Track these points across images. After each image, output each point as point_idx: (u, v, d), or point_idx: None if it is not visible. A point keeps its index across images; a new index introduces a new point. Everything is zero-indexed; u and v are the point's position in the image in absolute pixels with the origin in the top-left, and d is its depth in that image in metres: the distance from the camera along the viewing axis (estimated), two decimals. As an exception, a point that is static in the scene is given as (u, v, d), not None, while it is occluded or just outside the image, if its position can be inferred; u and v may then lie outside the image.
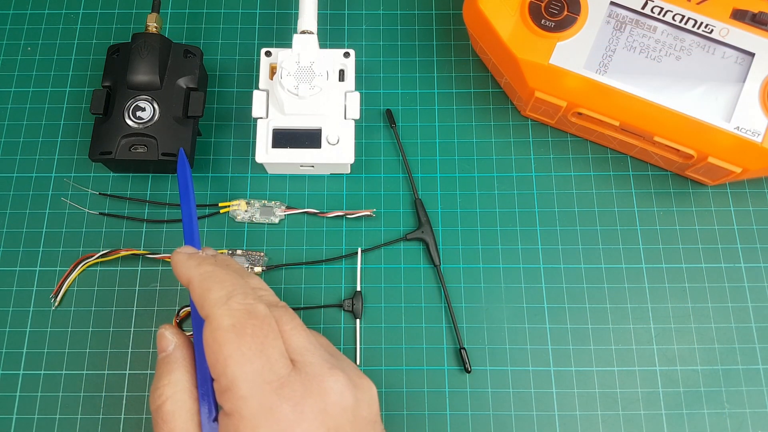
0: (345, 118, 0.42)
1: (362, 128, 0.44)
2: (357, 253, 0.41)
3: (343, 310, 0.40)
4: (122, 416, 0.38)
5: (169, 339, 0.30)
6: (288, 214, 0.42)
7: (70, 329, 0.40)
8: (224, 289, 0.27)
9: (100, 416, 0.38)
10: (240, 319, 0.26)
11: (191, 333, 0.30)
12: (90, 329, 0.40)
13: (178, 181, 0.35)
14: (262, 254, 0.41)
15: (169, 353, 0.29)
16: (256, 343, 0.26)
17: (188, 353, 0.29)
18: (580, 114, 0.40)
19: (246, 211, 0.42)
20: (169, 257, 0.41)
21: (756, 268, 0.41)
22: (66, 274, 0.41)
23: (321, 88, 0.40)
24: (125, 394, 0.39)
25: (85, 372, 0.39)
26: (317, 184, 0.43)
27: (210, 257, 0.31)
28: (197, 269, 0.29)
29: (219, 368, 0.26)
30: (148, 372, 0.39)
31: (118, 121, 0.40)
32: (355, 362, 0.39)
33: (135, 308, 0.40)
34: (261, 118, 0.41)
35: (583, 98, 0.39)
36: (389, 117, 0.44)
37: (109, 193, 0.43)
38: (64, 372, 0.39)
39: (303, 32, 0.42)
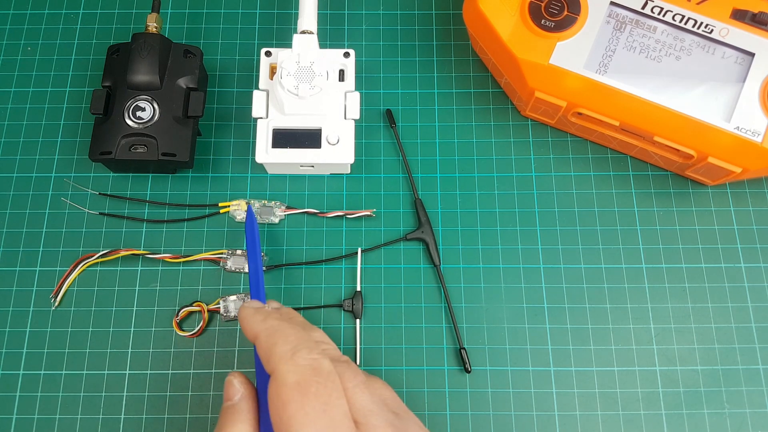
0: (345, 118, 0.42)
1: (362, 128, 0.44)
2: (357, 253, 0.41)
3: (343, 310, 0.40)
4: (122, 416, 0.38)
5: (237, 388, 0.29)
6: (288, 214, 0.42)
7: (70, 329, 0.40)
8: (289, 343, 0.27)
9: (100, 416, 0.38)
10: (304, 375, 0.26)
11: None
12: (90, 329, 0.40)
13: (246, 235, 0.35)
14: (262, 254, 0.41)
15: (234, 403, 0.29)
16: (320, 403, 0.26)
17: (253, 406, 0.29)
18: (580, 114, 0.40)
19: (246, 211, 0.42)
20: (168, 257, 0.41)
21: (756, 268, 0.41)
22: (66, 274, 0.41)
23: (321, 88, 0.40)
24: (125, 394, 0.39)
25: (85, 372, 0.39)
26: (317, 184, 0.43)
27: (275, 311, 0.30)
28: (263, 324, 0.29)
29: (283, 427, 0.26)
30: (148, 372, 0.39)
31: (118, 121, 0.40)
32: (355, 362, 0.39)
33: (135, 308, 0.40)
34: (261, 118, 0.41)
35: (583, 98, 0.39)
36: (389, 117, 0.44)
37: (109, 193, 0.43)
38: (64, 372, 0.39)
39: (303, 32, 0.42)
